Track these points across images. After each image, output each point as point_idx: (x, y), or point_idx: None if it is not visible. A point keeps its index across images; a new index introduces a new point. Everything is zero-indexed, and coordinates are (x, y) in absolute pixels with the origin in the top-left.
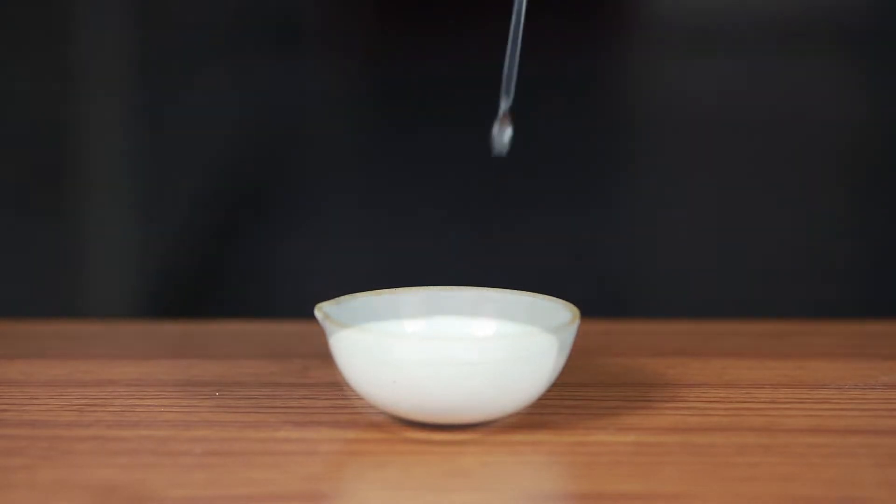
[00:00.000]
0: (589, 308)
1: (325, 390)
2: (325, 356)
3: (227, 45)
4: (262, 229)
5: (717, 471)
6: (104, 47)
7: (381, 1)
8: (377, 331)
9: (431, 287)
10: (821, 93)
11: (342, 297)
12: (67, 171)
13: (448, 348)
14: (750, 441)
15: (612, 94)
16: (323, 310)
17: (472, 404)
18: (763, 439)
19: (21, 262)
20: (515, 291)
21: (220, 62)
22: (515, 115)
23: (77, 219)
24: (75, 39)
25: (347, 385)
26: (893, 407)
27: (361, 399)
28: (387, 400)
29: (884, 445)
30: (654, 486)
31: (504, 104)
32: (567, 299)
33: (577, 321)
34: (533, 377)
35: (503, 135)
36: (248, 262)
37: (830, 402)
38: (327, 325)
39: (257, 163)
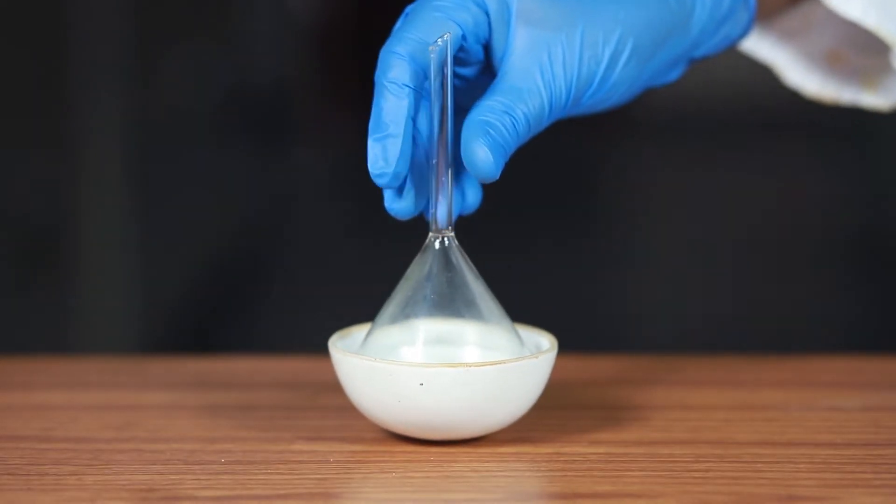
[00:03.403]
0: (566, 343)
1: (332, 412)
2: (330, 385)
3: (220, 126)
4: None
5: (676, 475)
6: (105, 114)
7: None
8: (382, 358)
9: (425, 318)
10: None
11: (350, 328)
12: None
13: (444, 373)
14: (705, 451)
15: (597, 171)
16: (334, 341)
17: (463, 422)
18: (717, 450)
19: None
20: (503, 322)
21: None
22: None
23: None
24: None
25: (353, 409)
26: (830, 425)
27: (365, 420)
28: (389, 419)
29: (821, 455)
30: (622, 487)
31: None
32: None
33: (556, 349)
34: (517, 397)
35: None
36: (257, 304)
37: (776, 421)
38: (337, 355)
39: (256, 228)
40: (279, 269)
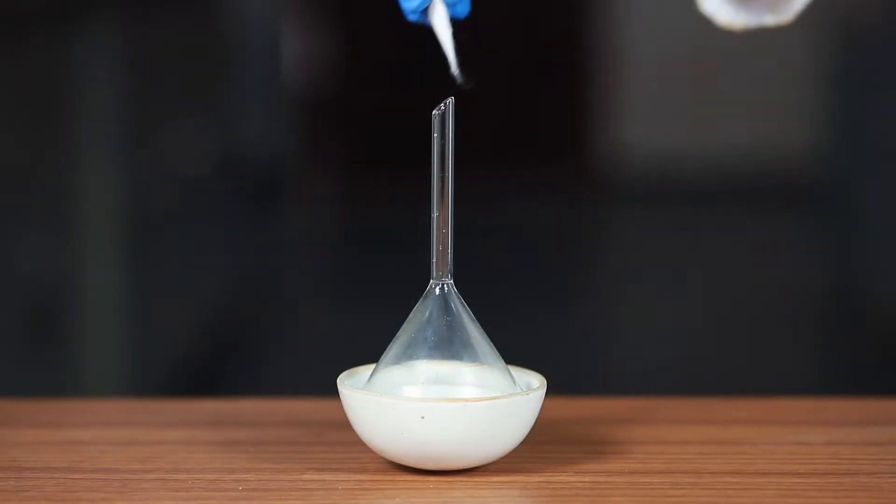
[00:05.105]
0: (552, 385)
1: (339, 446)
2: (335, 422)
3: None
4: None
5: (655, 500)
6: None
7: (350, 157)
8: (388, 394)
9: (423, 360)
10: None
11: (356, 368)
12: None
13: (443, 408)
14: (681, 480)
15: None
16: (342, 379)
17: (461, 453)
18: (691, 479)
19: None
20: (497, 363)
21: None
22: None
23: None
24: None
25: (357, 443)
26: (795, 458)
27: (369, 452)
28: (392, 450)
29: (787, 483)
30: None
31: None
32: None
33: (545, 387)
34: (510, 431)
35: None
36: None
37: (747, 454)
38: (345, 391)
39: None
40: (281, 319)
